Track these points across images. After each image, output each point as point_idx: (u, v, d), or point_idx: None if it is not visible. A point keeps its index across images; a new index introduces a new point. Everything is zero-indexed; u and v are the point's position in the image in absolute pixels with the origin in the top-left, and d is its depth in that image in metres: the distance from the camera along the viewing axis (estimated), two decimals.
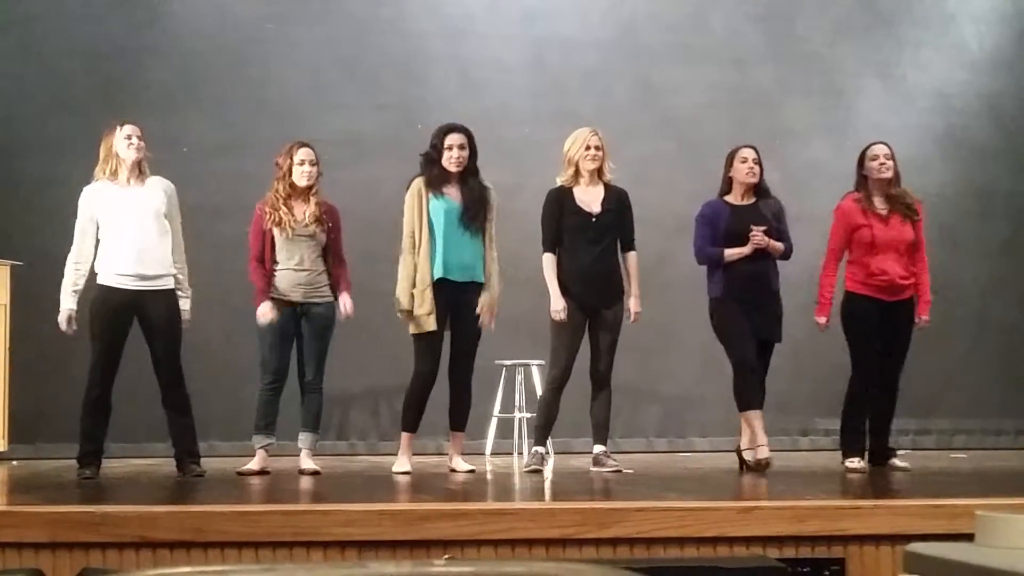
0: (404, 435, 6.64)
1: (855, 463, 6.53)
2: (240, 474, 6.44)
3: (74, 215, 6.44)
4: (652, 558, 4.35)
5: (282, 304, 6.52)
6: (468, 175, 6.56)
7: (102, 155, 6.41)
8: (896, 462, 6.68)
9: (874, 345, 6.63)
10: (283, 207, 6.54)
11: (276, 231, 6.53)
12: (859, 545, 4.45)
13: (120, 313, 6.28)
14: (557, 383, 6.60)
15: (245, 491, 5.89)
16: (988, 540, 2.87)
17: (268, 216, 6.54)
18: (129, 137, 6.35)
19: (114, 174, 6.38)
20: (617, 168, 6.73)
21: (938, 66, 9.43)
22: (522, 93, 8.96)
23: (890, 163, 6.67)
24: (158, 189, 6.41)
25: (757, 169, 6.66)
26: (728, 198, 6.73)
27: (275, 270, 6.57)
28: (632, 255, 6.68)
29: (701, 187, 7.56)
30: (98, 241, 6.35)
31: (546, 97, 8.99)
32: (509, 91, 8.94)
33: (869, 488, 5.75)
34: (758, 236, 6.48)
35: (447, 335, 6.59)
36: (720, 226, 6.61)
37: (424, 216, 6.48)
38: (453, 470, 6.56)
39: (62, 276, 6.34)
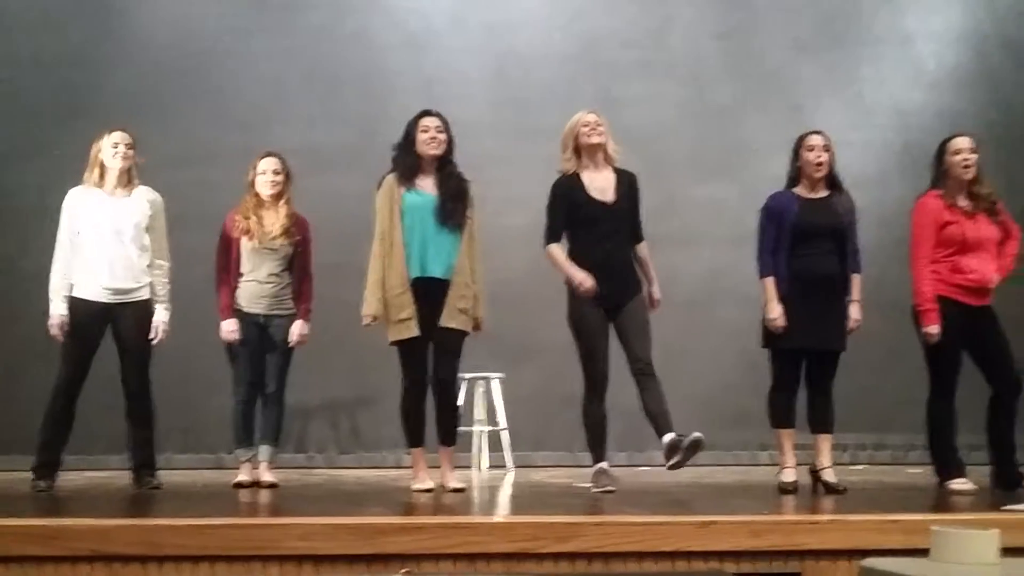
0: (414, 452, 6.18)
1: (960, 484, 6.09)
2: (237, 485, 6.46)
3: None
4: (610, 573, 4.35)
5: (247, 318, 6.53)
6: (445, 164, 6.16)
7: (90, 160, 6.33)
8: None
9: (958, 354, 6.20)
10: (253, 216, 6.52)
11: (244, 240, 6.51)
12: (815, 560, 4.47)
13: (92, 326, 6.26)
14: (595, 392, 6.04)
15: (201, 504, 5.85)
16: (943, 555, 2.89)
17: (237, 224, 6.53)
18: (116, 145, 6.30)
19: (100, 180, 6.31)
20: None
21: (896, 84, 9.51)
22: (484, 107, 8.96)
23: (974, 158, 6.21)
24: (143, 200, 6.37)
25: (826, 158, 6.19)
26: (797, 190, 6.27)
27: (240, 281, 6.56)
28: (644, 244, 6.27)
29: (661, 201, 7.59)
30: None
31: (508, 111, 9.00)
32: (471, 105, 8.92)
33: (826, 503, 5.78)
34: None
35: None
36: (786, 220, 6.14)
37: (397, 213, 6.04)
38: (443, 487, 6.08)
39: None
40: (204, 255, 6.77)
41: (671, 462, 5.89)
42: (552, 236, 6.16)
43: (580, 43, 9.28)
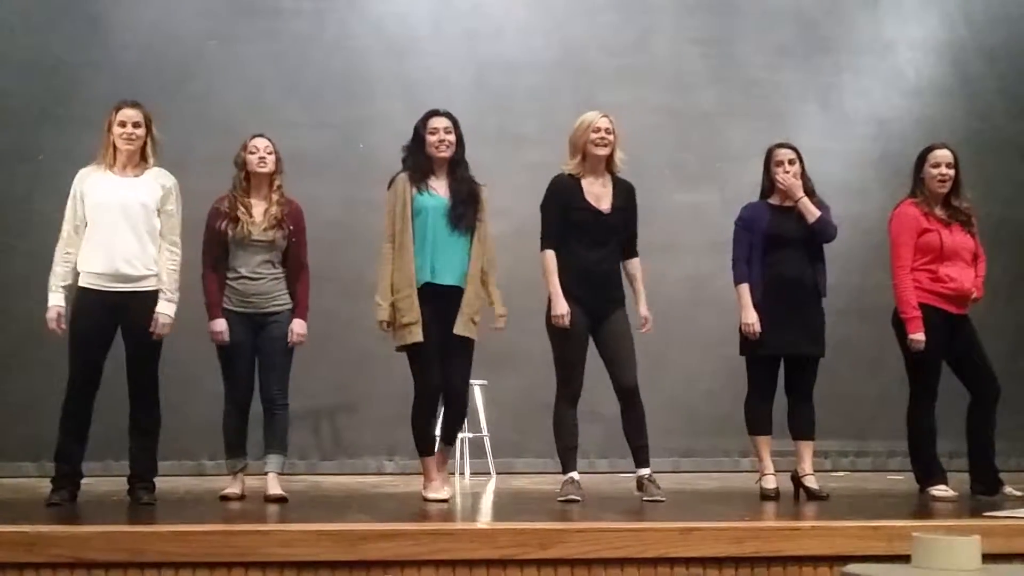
0: (425, 460, 6.02)
1: (941, 491, 6.13)
2: (223, 498, 6.10)
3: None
4: None
5: (237, 318, 6.12)
6: (456, 166, 6.03)
7: (103, 139, 5.85)
8: (1010, 490, 6.18)
9: (939, 361, 6.26)
10: (240, 207, 6.12)
11: (231, 233, 6.09)
12: (797, 566, 4.48)
13: (98, 318, 5.74)
14: (569, 399, 6.02)
15: (183, 511, 5.83)
16: (924, 562, 2.90)
17: (223, 217, 6.13)
18: (123, 124, 5.80)
19: (112, 161, 5.82)
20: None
21: (876, 92, 9.55)
22: (465, 113, 8.79)
23: (950, 174, 6.29)
24: (155, 183, 5.86)
25: (792, 171, 6.27)
26: (771, 200, 6.38)
27: (228, 278, 6.15)
28: (636, 261, 6.18)
29: (642, 208, 7.60)
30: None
31: (489, 117, 8.97)
32: (452, 111, 8.93)
33: (808, 510, 5.80)
34: None
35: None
36: (759, 229, 6.25)
37: (408, 214, 5.85)
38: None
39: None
40: (184, 259, 6.70)
41: (641, 495, 5.97)
42: (547, 239, 6.05)
43: (562, 50, 9.29)
